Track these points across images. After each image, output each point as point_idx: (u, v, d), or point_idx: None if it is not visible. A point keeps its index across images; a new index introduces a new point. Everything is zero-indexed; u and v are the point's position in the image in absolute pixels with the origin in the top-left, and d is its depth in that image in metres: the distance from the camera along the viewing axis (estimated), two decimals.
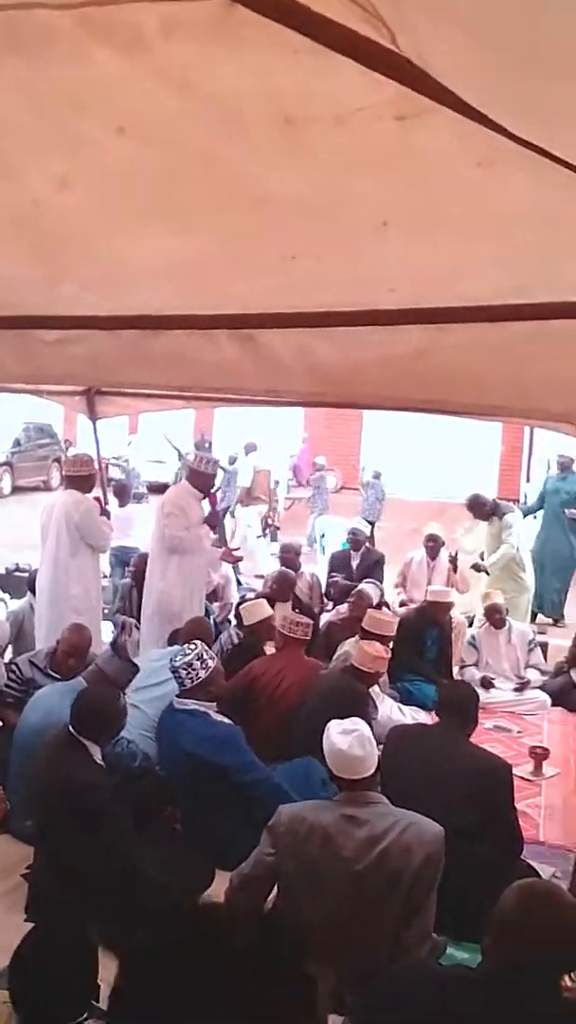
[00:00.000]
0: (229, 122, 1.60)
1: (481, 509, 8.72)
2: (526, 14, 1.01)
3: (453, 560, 8.69)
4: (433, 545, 8.79)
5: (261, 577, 9.24)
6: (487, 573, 8.43)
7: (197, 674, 4.53)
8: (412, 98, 1.38)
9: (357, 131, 1.52)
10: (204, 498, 6.77)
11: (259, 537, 13.76)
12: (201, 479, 6.75)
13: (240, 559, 8.60)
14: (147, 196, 1.98)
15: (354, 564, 9.03)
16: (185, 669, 4.52)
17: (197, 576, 6.73)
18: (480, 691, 7.00)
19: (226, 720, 4.60)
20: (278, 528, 15.95)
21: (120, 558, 9.70)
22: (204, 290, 2.66)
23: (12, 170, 1.93)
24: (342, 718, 3.46)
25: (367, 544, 9.52)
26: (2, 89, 1.60)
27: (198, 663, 4.54)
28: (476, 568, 8.53)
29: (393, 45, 1.17)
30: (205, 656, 4.60)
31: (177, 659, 4.56)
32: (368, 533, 10.07)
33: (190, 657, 4.55)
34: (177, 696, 4.61)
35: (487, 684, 7.27)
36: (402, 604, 8.64)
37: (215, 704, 4.64)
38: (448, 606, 7.61)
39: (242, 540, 12.20)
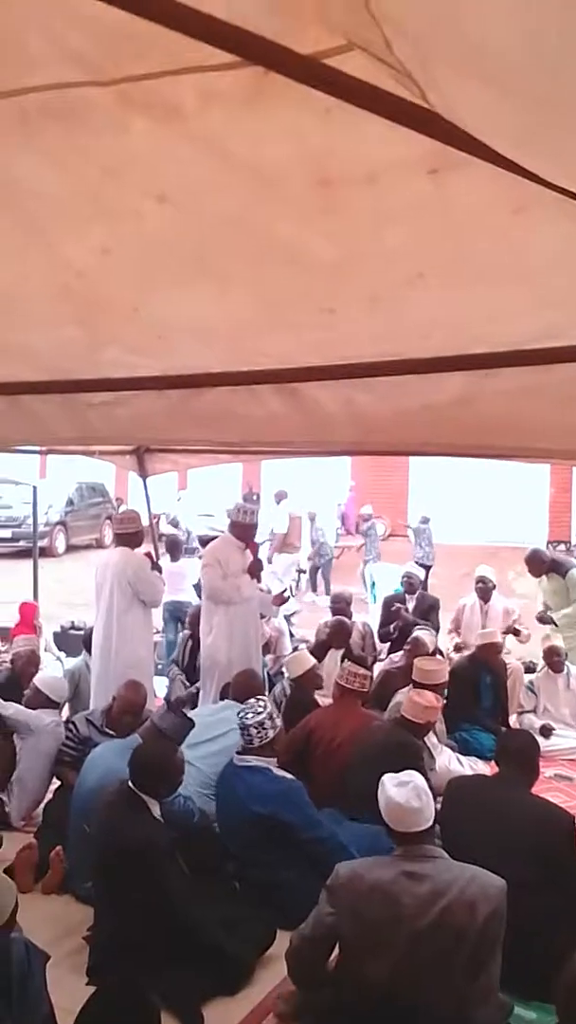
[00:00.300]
0: (265, 185, 1.64)
1: (539, 566, 8.37)
2: (551, 65, 1.02)
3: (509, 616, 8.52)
4: (483, 587, 8.67)
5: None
6: (555, 624, 8.21)
7: (267, 733, 4.53)
8: (444, 151, 1.40)
9: (390, 186, 1.55)
10: (246, 548, 6.77)
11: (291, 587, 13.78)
12: (241, 529, 6.79)
13: (287, 599, 8.54)
14: (187, 260, 2.03)
15: (409, 607, 8.95)
16: (256, 728, 4.51)
17: (247, 627, 6.71)
18: (540, 739, 6.90)
19: (288, 775, 4.56)
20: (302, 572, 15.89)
21: (173, 613, 9.74)
22: (246, 347, 2.70)
23: (55, 241, 1.99)
24: (393, 769, 3.41)
25: (421, 588, 9.45)
26: (43, 162, 1.66)
27: (269, 722, 4.55)
28: (541, 620, 8.29)
29: (423, 101, 1.19)
30: (275, 715, 4.61)
31: (249, 716, 4.54)
32: (422, 578, 9.98)
33: (262, 716, 4.54)
34: (239, 753, 4.58)
35: (547, 732, 7.11)
36: (457, 649, 8.54)
37: (275, 759, 4.60)
38: (497, 647, 7.48)
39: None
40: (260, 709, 4.58)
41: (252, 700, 4.67)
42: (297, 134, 1.46)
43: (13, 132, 1.56)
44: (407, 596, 9.10)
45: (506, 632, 8.28)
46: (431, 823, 3.24)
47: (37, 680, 6.06)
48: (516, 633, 8.37)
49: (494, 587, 8.72)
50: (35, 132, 1.57)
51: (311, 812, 4.38)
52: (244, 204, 1.72)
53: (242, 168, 1.58)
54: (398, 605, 8.89)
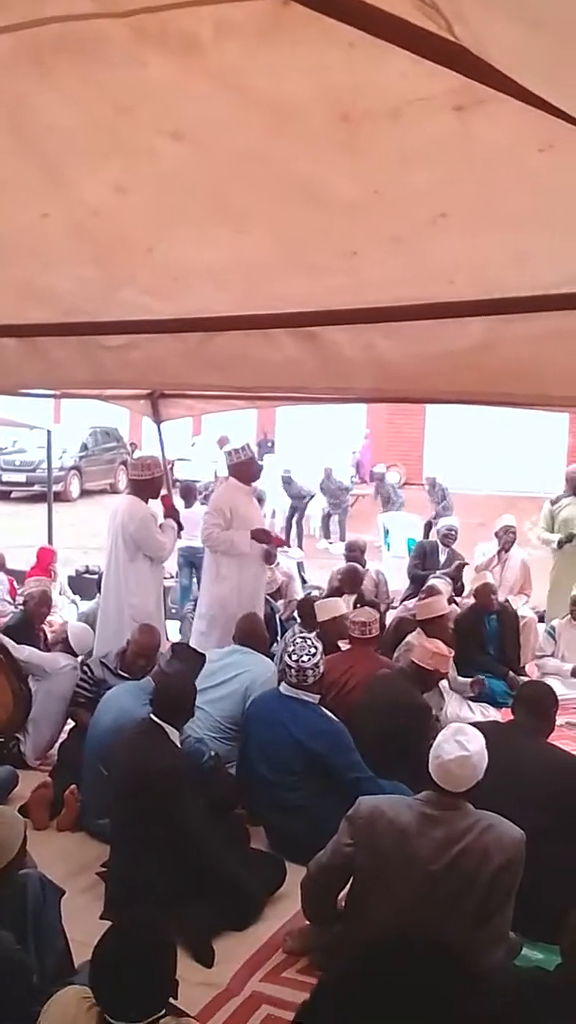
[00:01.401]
0: (285, 121, 1.60)
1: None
2: None
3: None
4: (503, 535, 8.66)
5: None
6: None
7: (319, 672, 4.61)
8: (470, 87, 1.36)
9: (414, 123, 1.50)
10: (250, 487, 6.73)
11: None
12: (242, 468, 6.69)
13: (283, 542, 8.44)
14: (204, 199, 1.99)
15: (441, 559, 8.94)
16: (312, 669, 4.58)
17: (256, 574, 6.71)
18: (566, 687, 6.97)
19: (335, 718, 4.62)
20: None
21: (188, 558, 9.79)
22: (264, 290, 2.66)
23: (69, 178, 1.95)
24: (401, 731, 3.40)
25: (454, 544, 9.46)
26: (57, 98, 1.62)
27: (321, 665, 4.62)
28: (569, 539, 8.26)
29: (450, 34, 1.15)
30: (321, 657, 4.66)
31: (305, 659, 4.58)
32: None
33: (317, 658, 4.61)
34: (288, 685, 4.64)
35: None
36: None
37: (319, 698, 4.68)
38: (486, 588, 7.46)
39: None
40: (313, 650, 4.65)
41: (301, 640, 4.71)
42: (318, 68, 1.42)
43: (27, 67, 1.52)
44: (441, 547, 9.07)
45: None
46: (470, 788, 3.24)
47: (69, 628, 6.11)
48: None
49: (515, 537, 8.70)
50: (49, 67, 1.53)
51: (356, 756, 4.45)
52: (262, 141, 1.67)
53: (260, 104, 1.53)
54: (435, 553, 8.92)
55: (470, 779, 3.21)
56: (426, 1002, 1.44)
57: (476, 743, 3.25)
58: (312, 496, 15.65)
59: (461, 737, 3.25)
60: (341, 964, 1.69)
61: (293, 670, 4.57)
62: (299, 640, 4.70)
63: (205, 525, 6.54)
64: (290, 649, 4.66)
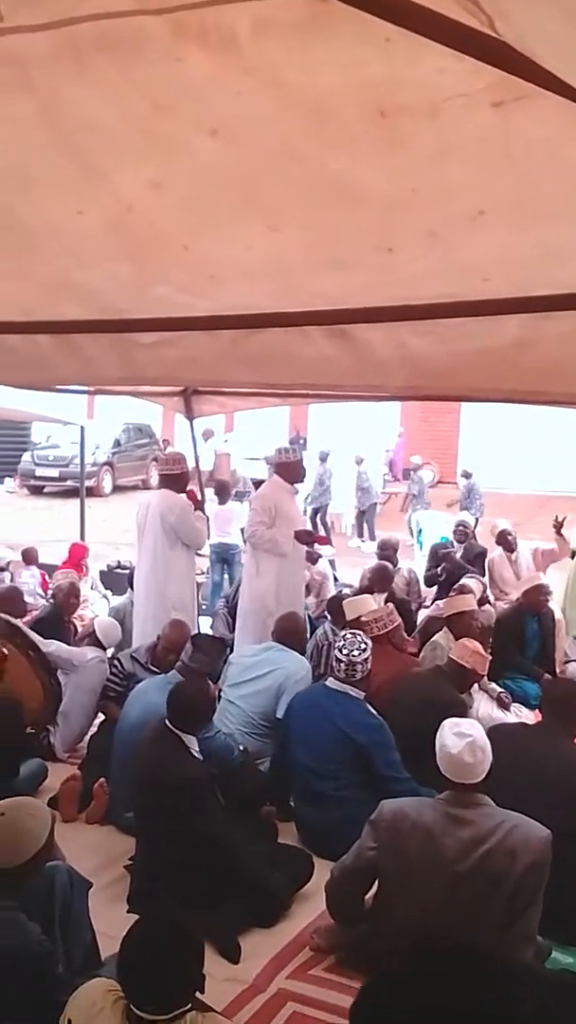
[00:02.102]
0: (322, 118, 1.59)
1: None
2: None
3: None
4: (505, 539, 8.66)
5: None
6: None
7: (366, 669, 4.61)
8: (510, 83, 1.34)
9: (452, 119, 1.49)
10: (295, 488, 6.74)
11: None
12: (288, 468, 6.71)
13: (327, 540, 8.45)
14: (240, 196, 1.98)
15: (456, 556, 8.91)
16: (361, 664, 4.59)
17: (295, 571, 6.72)
18: None
19: (379, 716, 4.63)
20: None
21: (220, 555, 9.82)
22: (298, 287, 2.65)
23: (106, 174, 1.95)
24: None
25: (472, 539, 9.41)
26: (95, 94, 1.62)
27: (369, 662, 4.63)
28: None
29: (491, 30, 1.14)
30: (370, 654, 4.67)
31: (355, 653, 4.59)
32: (473, 527, 9.91)
33: (367, 654, 4.62)
34: (336, 679, 4.64)
35: None
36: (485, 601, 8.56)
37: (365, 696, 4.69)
38: (542, 589, 7.41)
39: None
40: (364, 646, 4.66)
41: (351, 636, 4.72)
42: (355, 64, 1.41)
43: (66, 64, 1.53)
44: (456, 544, 9.05)
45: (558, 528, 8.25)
46: (484, 777, 3.23)
47: (96, 622, 6.17)
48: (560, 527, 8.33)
49: (514, 538, 8.72)
50: (87, 64, 1.54)
51: (396, 757, 4.44)
52: (299, 138, 1.67)
53: (297, 100, 1.53)
54: (447, 551, 8.89)
55: (481, 766, 3.21)
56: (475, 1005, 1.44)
57: (474, 728, 3.28)
58: (327, 485, 15.59)
59: (458, 728, 3.27)
60: (391, 968, 1.70)
61: (343, 664, 4.58)
62: (349, 636, 4.71)
63: (250, 522, 6.58)
64: (340, 644, 4.68)
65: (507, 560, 8.69)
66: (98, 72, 1.56)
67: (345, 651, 4.59)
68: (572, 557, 8.34)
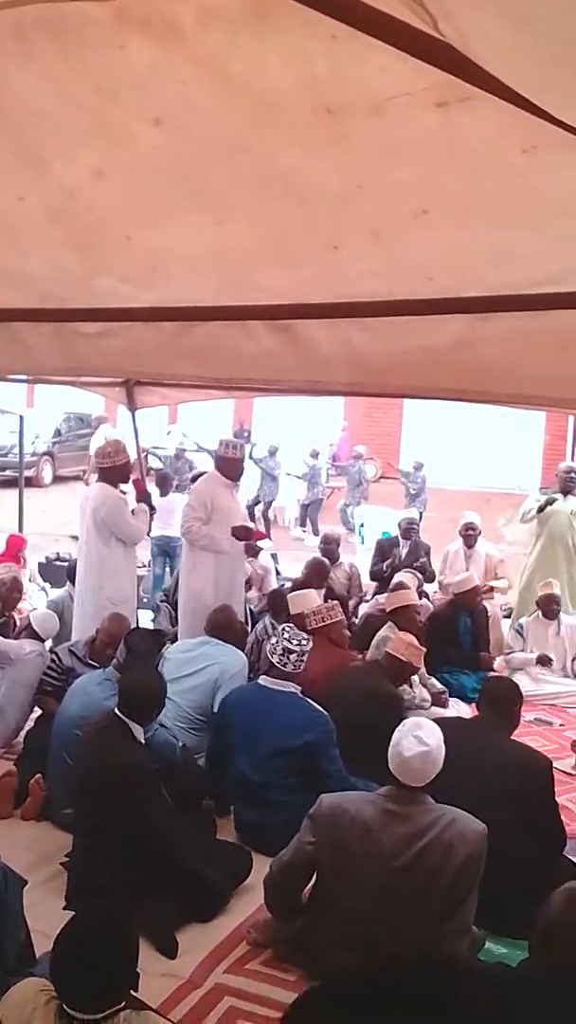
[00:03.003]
0: (268, 112, 1.58)
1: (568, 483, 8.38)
2: None
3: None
4: (469, 533, 8.71)
5: None
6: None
7: (301, 664, 4.57)
8: (454, 84, 1.35)
9: (397, 118, 1.50)
10: (234, 484, 6.71)
11: None
12: (228, 464, 6.69)
13: (264, 535, 8.42)
14: (184, 187, 1.97)
15: (402, 552, 8.97)
16: (299, 655, 4.54)
17: (233, 566, 6.69)
18: (537, 669, 7.14)
19: (318, 706, 4.60)
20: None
21: (162, 548, 9.75)
22: (242, 281, 2.64)
23: (47, 161, 1.92)
24: (377, 723, 3.39)
25: (416, 536, 9.49)
26: (38, 80, 1.60)
27: (305, 658, 4.58)
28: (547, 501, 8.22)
29: (435, 31, 1.14)
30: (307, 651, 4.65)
31: (294, 643, 4.56)
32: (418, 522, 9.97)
33: (305, 648, 4.57)
34: (267, 675, 4.60)
35: (544, 661, 7.27)
36: (442, 589, 8.65)
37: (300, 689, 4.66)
38: (475, 590, 7.53)
39: None
40: (304, 640, 4.62)
41: (291, 628, 4.70)
42: (301, 59, 1.41)
43: (8, 47, 1.50)
44: (401, 541, 9.11)
45: (485, 589, 8.29)
46: (430, 781, 3.24)
47: (31, 615, 6.08)
48: (490, 590, 8.42)
49: (479, 533, 8.75)
50: (30, 48, 1.51)
51: (336, 751, 4.43)
52: (244, 130, 1.66)
53: (243, 92, 1.52)
54: (395, 549, 8.96)
55: (430, 773, 3.22)
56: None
57: (434, 737, 3.26)
58: (276, 479, 15.62)
59: (419, 732, 3.25)
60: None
61: (278, 652, 4.55)
62: (289, 628, 4.70)
63: (185, 518, 6.51)
64: (285, 636, 4.64)
65: (463, 555, 8.71)
66: (42, 56, 1.53)
67: (284, 640, 4.59)
68: (539, 511, 8.40)
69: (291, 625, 4.82)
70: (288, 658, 4.53)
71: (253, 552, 6.89)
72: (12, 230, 2.35)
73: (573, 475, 8.43)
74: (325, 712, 4.57)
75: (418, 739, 3.22)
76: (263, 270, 2.49)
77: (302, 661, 4.56)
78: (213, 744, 4.76)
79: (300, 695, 4.58)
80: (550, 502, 8.28)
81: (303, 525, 15.94)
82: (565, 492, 8.34)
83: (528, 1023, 1.90)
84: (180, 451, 17.12)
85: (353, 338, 2.84)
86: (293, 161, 1.75)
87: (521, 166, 1.57)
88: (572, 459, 18.93)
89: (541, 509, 8.29)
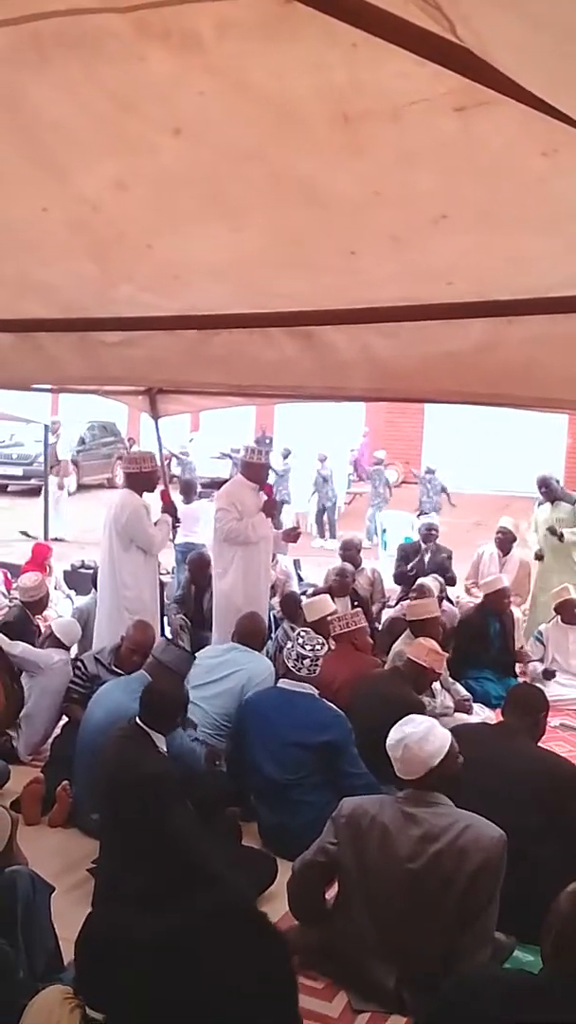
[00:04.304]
0: (286, 120, 1.59)
1: (551, 490, 8.45)
2: None
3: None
4: (503, 538, 8.66)
5: None
6: (561, 538, 8.15)
7: (315, 667, 4.65)
8: (472, 89, 1.35)
9: (415, 124, 1.49)
10: (260, 489, 6.77)
11: None
12: (254, 470, 6.81)
13: (299, 534, 8.52)
14: (204, 196, 1.97)
15: (425, 558, 8.95)
16: (312, 660, 4.62)
17: (259, 569, 6.73)
18: (542, 684, 6.98)
19: (335, 707, 4.66)
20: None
21: (186, 554, 9.76)
22: (262, 288, 2.65)
23: (69, 173, 1.94)
24: None
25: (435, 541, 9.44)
26: (56, 94, 1.61)
27: (320, 661, 4.67)
28: (551, 531, 8.20)
29: (452, 36, 1.14)
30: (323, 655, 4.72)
31: (307, 648, 4.64)
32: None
33: (321, 652, 4.67)
34: (286, 677, 4.69)
35: (549, 675, 7.21)
36: (468, 592, 8.62)
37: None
38: (505, 592, 7.50)
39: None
40: (320, 644, 4.71)
41: (307, 633, 4.78)
42: (319, 67, 1.41)
43: (28, 60, 1.51)
44: (423, 545, 9.08)
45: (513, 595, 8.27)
46: (428, 771, 3.26)
47: (53, 623, 6.11)
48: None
49: (514, 539, 8.71)
50: (50, 61, 1.52)
51: (355, 751, 4.48)
52: (263, 139, 1.66)
53: (261, 101, 1.52)
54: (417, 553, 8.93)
55: (428, 759, 3.24)
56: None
57: (415, 725, 3.31)
58: (287, 482, 15.64)
59: (403, 726, 3.32)
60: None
61: (293, 656, 4.62)
62: (304, 633, 4.74)
63: (222, 521, 6.57)
64: (300, 641, 4.70)
65: (497, 559, 8.69)
66: (61, 69, 1.54)
67: (299, 646, 4.65)
68: (536, 559, 8.42)
69: (307, 630, 4.85)
70: (302, 663, 4.58)
71: (294, 537, 7.65)
72: (35, 241, 2.37)
73: (543, 486, 8.49)
74: (341, 712, 4.60)
75: (398, 730, 3.30)
76: (282, 277, 2.50)
77: (316, 666, 4.62)
78: (233, 748, 4.77)
79: (318, 696, 4.61)
80: (540, 557, 8.40)
81: (321, 533, 15.92)
82: (550, 500, 8.38)
83: None
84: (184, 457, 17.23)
85: (373, 343, 2.84)
86: (311, 169, 1.75)
87: (540, 170, 1.57)
88: None
89: (538, 557, 8.43)
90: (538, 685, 5.75)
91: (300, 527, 9.68)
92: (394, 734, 3.30)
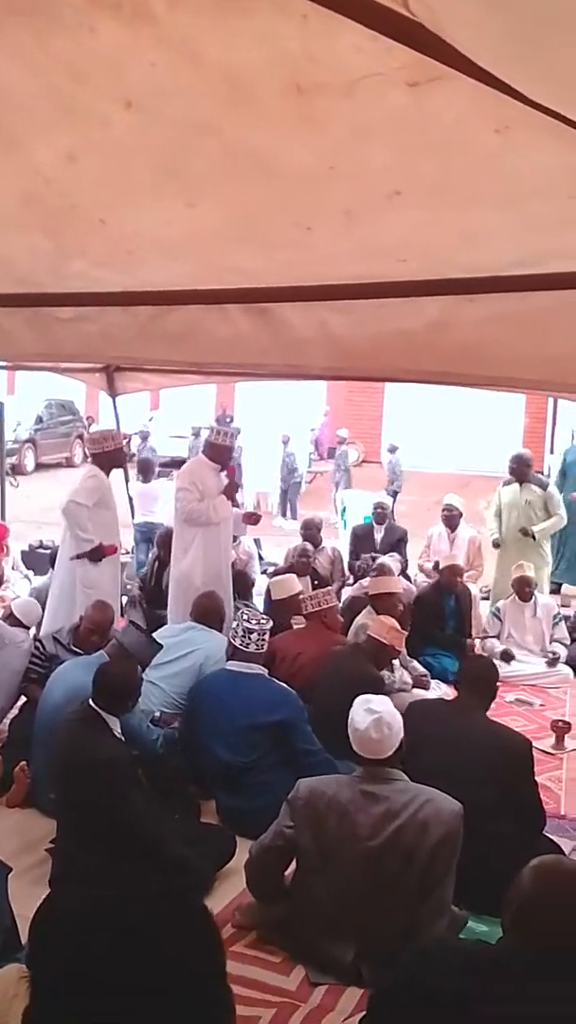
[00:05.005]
0: (238, 92, 1.57)
1: (524, 471, 8.42)
2: None
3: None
4: (450, 515, 8.72)
5: None
6: (534, 538, 8.17)
7: (264, 643, 4.70)
8: (425, 64, 1.34)
9: (368, 98, 1.48)
10: (222, 470, 6.75)
11: None
12: (218, 451, 6.74)
13: (259, 517, 8.53)
14: (156, 170, 1.95)
15: (377, 538, 8.99)
16: (259, 634, 4.67)
17: (219, 551, 6.73)
18: (502, 664, 7.04)
19: (284, 685, 4.70)
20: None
21: (145, 534, 9.72)
22: (216, 264, 2.63)
23: (20, 145, 1.90)
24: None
25: (391, 519, 9.48)
26: (7, 63, 1.58)
27: (267, 636, 4.72)
28: (524, 532, 8.20)
29: (405, 10, 1.13)
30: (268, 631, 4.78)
31: (253, 623, 4.69)
32: (391, 508, 10.01)
33: (266, 626, 4.72)
34: (233, 659, 4.71)
35: (507, 657, 7.27)
36: (424, 571, 8.67)
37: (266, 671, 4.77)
38: (459, 570, 7.56)
39: None
40: (264, 620, 4.79)
41: (252, 611, 4.77)
42: (271, 39, 1.39)
43: None
44: (376, 526, 9.12)
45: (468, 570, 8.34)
46: (393, 751, 3.29)
47: (13, 604, 6.06)
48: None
49: (460, 515, 8.76)
50: (1, 29, 1.48)
51: (308, 728, 4.52)
52: (216, 112, 1.64)
53: (213, 73, 1.50)
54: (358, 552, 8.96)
55: (388, 742, 3.27)
56: None
57: (383, 704, 3.33)
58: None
59: (368, 704, 3.33)
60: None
61: (240, 633, 4.66)
62: (250, 608, 4.78)
63: (183, 501, 6.53)
64: (244, 616, 4.75)
65: (446, 537, 8.74)
66: (12, 37, 1.51)
67: (244, 621, 4.70)
68: (494, 547, 8.48)
69: (248, 604, 4.88)
70: (250, 638, 4.63)
71: (254, 520, 7.64)
72: None
73: (518, 464, 8.47)
74: (290, 689, 4.65)
75: (368, 710, 3.29)
76: (237, 252, 2.48)
77: (264, 640, 4.67)
78: (184, 731, 4.77)
79: (268, 676, 4.66)
80: (497, 545, 8.45)
81: (283, 513, 15.93)
82: (520, 480, 8.38)
83: (504, 1001, 1.92)
84: (145, 434, 17.11)
85: (329, 321, 2.84)
86: (265, 142, 1.74)
87: (494, 147, 1.57)
88: (552, 441, 19.07)
89: (495, 545, 8.47)
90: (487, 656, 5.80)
91: (261, 508, 9.67)
92: (363, 716, 3.28)
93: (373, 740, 3.26)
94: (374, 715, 3.27)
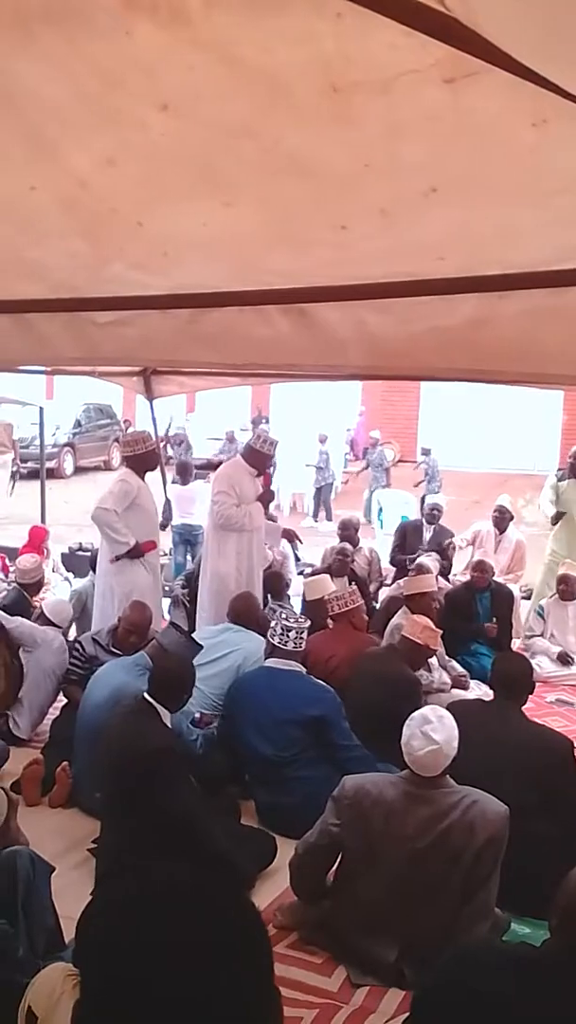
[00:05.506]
0: (275, 93, 1.57)
1: None
2: None
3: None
4: (500, 516, 8.63)
5: None
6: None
7: (303, 642, 4.73)
8: (461, 59, 1.34)
9: (403, 95, 1.48)
10: (259, 476, 6.74)
11: None
12: (257, 457, 6.70)
13: (295, 535, 8.54)
14: (193, 172, 1.96)
15: (426, 536, 8.90)
16: (297, 632, 4.70)
17: (254, 553, 6.72)
18: (555, 665, 7.09)
19: (324, 684, 4.72)
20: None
21: (183, 536, 9.76)
22: (254, 265, 2.64)
23: (58, 150, 1.92)
24: (394, 708, 3.40)
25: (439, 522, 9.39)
26: (45, 69, 1.59)
27: (304, 634, 4.75)
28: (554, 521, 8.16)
29: (440, 5, 1.13)
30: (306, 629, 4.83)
31: (292, 621, 4.75)
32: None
33: (305, 625, 4.77)
34: (272, 656, 4.75)
35: (565, 659, 7.23)
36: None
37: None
38: (479, 564, 7.42)
39: None
40: (301, 618, 4.85)
41: (290, 610, 4.80)
42: (307, 39, 1.39)
43: (13, 36, 1.50)
44: (426, 525, 9.01)
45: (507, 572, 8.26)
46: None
47: (44, 604, 6.13)
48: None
49: (511, 518, 8.67)
50: (36, 37, 1.50)
51: (347, 724, 4.54)
52: (252, 112, 1.65)
53: (249, 74, 1.51)
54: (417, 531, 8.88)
55: (443, 764, 3.23)
56: None
57: (443, 731, 3.22)
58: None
59: (427, 727, 3.22)
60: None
61: (279, 631, 4.68)
62: (287, 608, 4.80)
63: (221, 504, 6.51)
64: (282, 615, 4.78)
65: (494, 537, 8.64)
66: (48, 45, 1.53)
67: (282, 620, 4.73)
68: (553, 522, 8.34)
69: (283, 605, 4.90)
70: (288, 636, 4.67)
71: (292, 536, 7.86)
72: (25, 220, 2.36)
73: None
74: (330, 688, 4.66)
75: (426, 736, 3.21)
76: (274, 253, 2.48)
77: (302, 639, 4.70)
78: (223, 730, 4.78)
79: (306, 674, 4.69)
80: (558, 518, 8.27)
81: (315, 513, 15.90)
82: None
83: (548, 1002, 1.90)
84: (181, 437, 17.17)
85: (367, 320, 2.83)
86: (301, 142, 1.74)
87: (531, 140, 1.56)
88: None
89: (554, 521, 8.31)
90: (533, 661, 5.73)
91: (297, 509, 9.67)
92: (422, 743, 3.20)
93: (428, 766, 3.22)
94: (434, 745, 3.18)
